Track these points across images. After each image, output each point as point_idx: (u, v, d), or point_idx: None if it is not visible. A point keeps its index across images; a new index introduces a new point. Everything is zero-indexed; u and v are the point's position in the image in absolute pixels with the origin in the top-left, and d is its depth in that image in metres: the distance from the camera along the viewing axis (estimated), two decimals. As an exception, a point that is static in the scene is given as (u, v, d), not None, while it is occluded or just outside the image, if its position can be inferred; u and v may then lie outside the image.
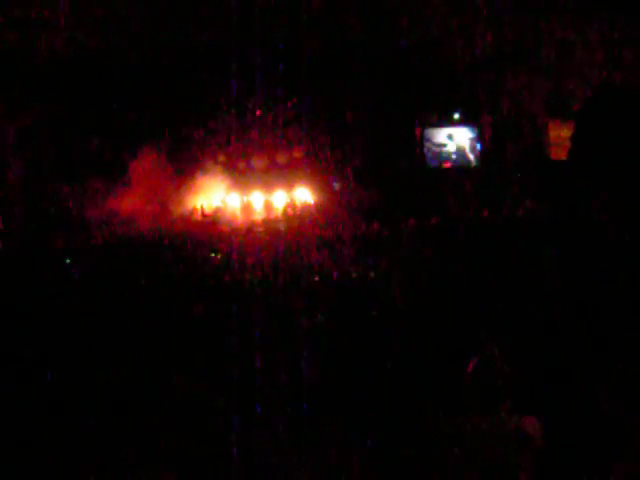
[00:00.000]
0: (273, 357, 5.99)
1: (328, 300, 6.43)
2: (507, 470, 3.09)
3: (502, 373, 3.15)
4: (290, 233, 11.79)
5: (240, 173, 14.72)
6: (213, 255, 10.47)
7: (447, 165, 14.70)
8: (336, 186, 14.24)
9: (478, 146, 14.50)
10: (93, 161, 14.36)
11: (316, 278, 7.31)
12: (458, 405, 3.17)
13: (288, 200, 14.40)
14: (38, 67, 13.58)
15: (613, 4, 12.66)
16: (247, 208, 14.32)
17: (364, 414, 4.68)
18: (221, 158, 14.73)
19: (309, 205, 14.20)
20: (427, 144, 14.71)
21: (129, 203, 13.93)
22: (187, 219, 13.89)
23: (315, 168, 14.44)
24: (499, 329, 4.68)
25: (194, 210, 14.26)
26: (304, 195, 14.50)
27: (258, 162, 14.84)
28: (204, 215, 13.94)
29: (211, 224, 13.26)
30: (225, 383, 5.84)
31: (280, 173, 14.73)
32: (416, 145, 14.71)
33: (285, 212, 13.93)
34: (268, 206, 14.30)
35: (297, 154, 14.70)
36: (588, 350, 4.47)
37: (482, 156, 14.46)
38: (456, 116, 14.73)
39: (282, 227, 12.86)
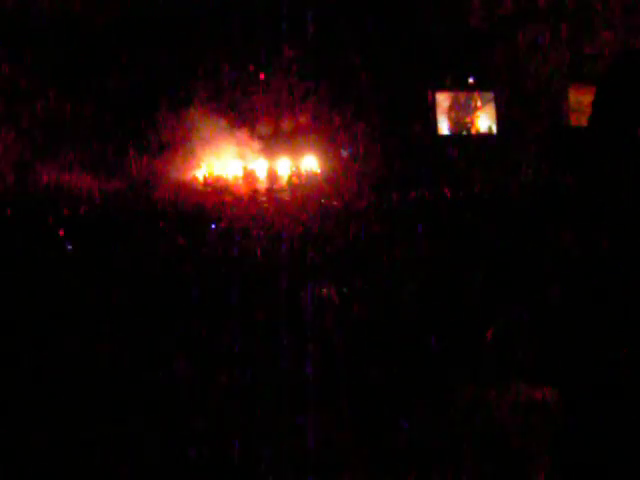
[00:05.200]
0: (277, 331, 6.11)
1: (340, 270, 6.55)
2: (525, 440, 3.22)
3: (521, 341, 3.28)
4: (295, 203, 11.88)
5: (242, 139, 14.75)
6: (213, 226, 10.56)
7: (460, 132, 14.72)
8: (344, 153, 14.28)
9: (493, 112, 14.50)
10: (83, 127, 14.42)
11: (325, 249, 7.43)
12: (477, 374, 3.29)
13: (293, 168, 14.44)
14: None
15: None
16: (250, 177, 14.37)
17: (379, 384, 4.82)
18: (222, 124, 14.76)
19: (315, 174, 14.26)
20: (439, 110, 14.71)
21: (123, 172, 14.02)
22: (186, 188, 13.95)
23: (322, 134, 14.47)
24: (518, 297, 4.80)
25: (194, 179, 14.33)
26: (310, 163, 14.54)
27: (261, 128, 14.87)
28: (205, 184, 14.00)
29: (212, 193, 13.34)
30: (226, 361, 5.97)
31: (285, 140, 14.76)
32: (427, 111, 14.71)
33: (290, 181, 14.00)
34: (272, 175, 14.35)
35: (303, 119, 14.72)
36: (608, 321, 4.59)
37: (497, 122, 14.46)
38: (470, 80, 14.71)
39: (286, 197, 12.96)
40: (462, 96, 14.71)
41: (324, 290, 6.49)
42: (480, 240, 6.65)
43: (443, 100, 14.75)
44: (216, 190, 13.58)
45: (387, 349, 5.10)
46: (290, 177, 14.10)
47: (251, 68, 14.66)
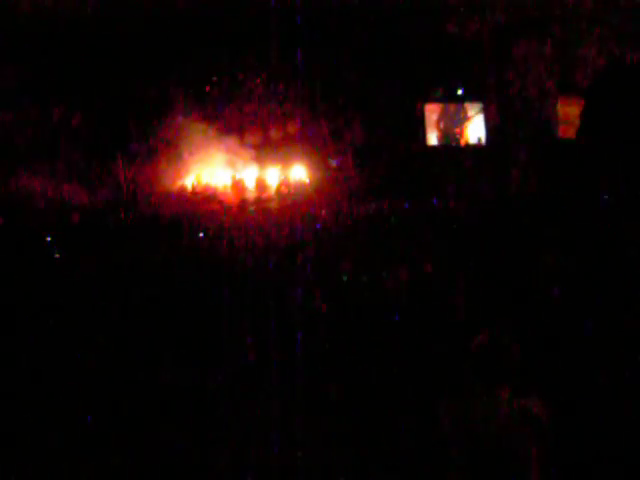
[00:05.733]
0: (268, 341, 6.09)
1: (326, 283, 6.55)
2: (513, 450, 3.22)
3: (507, 352, 3.28)
4: (283, 213, 11.88)
5: (231, 148, 14.74)
6: (202, 235, 10.54)
7: (449, 143, 14.76)
8: (333, 163, 14.30)
9: (483, 123, 14.54)
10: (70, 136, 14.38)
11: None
12: (463, 385, 3.29)
13: (282, 178, 14.44)
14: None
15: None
16: (238, 186, 14.36)
17: (365, 398, 4.81)
18: (211, 132, 14.75)
19: (304, 183, 14.26)
20: (428, 121, 14.74)
21: (113, 182, 13.99)
22: (175, 197, 13.92)
23: (311, 144, 14.48)
24: (504, 308, 4.81)
25: (183, 188, 14.31)
26: (299, 172, 14.55)
27: (250, 137, 14.87)
28: (195, 193, 13.98)
29: (200, 202, 13.32)
30: (216, 368, 5.95)
31: (274, 149, 14.76)
32: (417, 122, 14.74)
33: (278, 190, 14.00)
34: (261, 184, 14.34)
35: (292, 129, 14.73)
36: (592, 331, 4.61)
37: (487, 134, 14.51)
38: (460, 91, 14.76)
39: (275, 206, 12.95)
40: (451, 107, 14.76)
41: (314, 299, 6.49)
42: (467, 249, 6.67)
43: (432, 111, 14.79)
44: (204, 199, 13.57)
45: (374, 359, 5.10)
46: (279, 186, 14.11)
47: (240, 76, 14.67)
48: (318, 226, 9.96)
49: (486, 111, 14.47)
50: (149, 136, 14.46)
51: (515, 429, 3.23)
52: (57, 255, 9.45)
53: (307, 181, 14.32)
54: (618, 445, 3.79)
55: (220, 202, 13.25)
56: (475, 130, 14.62)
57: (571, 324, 4.62)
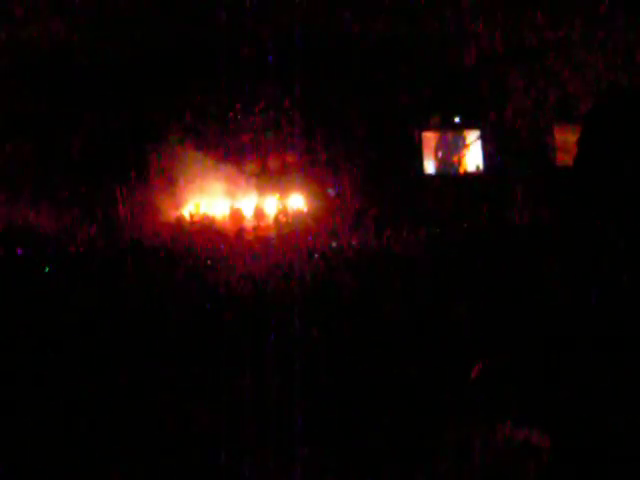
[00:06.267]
0: (265, 371, 6.05)
1: (324, 309, 6.53)
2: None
3: (506, 381, 3.25)
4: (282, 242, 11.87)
5: (229, 178, 14.78)
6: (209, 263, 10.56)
7: (447, 171, 14.79)
8: (331, 192, 14.33)
9: (480, 151, 14.59)
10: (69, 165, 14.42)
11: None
12: (464, 415, 3.25)
13: (280, 206, 14.47)
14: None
15: (621, 5, 12.82)
16: (236, 215, 14.38)
17: (365, 427, 4.77)
18: (209, 162, 14.80)
19: (302, 212, 14.28)
20: (426, 149, 14.79)
21: (110, 211, 14.00)
22: (173, 226, 13.93)
23: (309, 173, 14.53)
24: (504, 337, 4.79)
25: (180, 217, 14.32)
26: (297, 201, 14.58)
27: (248, 167, 14.91)
28: (192, 222, 13.99)
29: (198, 232, 13.32)
30: (213, 398, 5.91)
31: (272, 178, 14.81)
32: (414, 150, 14.78)
33: (277, 219, 14.01)
34: (259, 213, 14.37)
35: (290, 158, 14.78)
36: (595, 360, 4.58)
37: (484, 161, 14.54)
38: (456, 119, 14.82)
39: (273, 235, 12.96)
40: (449, 135, 14.82)
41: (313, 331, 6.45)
42: (465, 278, 6.66)
43: (430, 139, 14.85)
44: (202, 228, 13.58)
45: (372, 390, 5.06)
46: (277, 215, 14.13)
47: (238, 106, 14.75)
48: (316, 255, 9.95)
49: (484, 139, 14.52)
50: (147, 165, 14.51)
51: (515, 459, 3.19)
52: (52, 286, 9.43)
53: (305, 210, 14.35)
54: (621, 475, 3.75)
55: (218, 231, 13.25)
56: (473, 158, 14.65)
57: (571, 353, 4.59)
